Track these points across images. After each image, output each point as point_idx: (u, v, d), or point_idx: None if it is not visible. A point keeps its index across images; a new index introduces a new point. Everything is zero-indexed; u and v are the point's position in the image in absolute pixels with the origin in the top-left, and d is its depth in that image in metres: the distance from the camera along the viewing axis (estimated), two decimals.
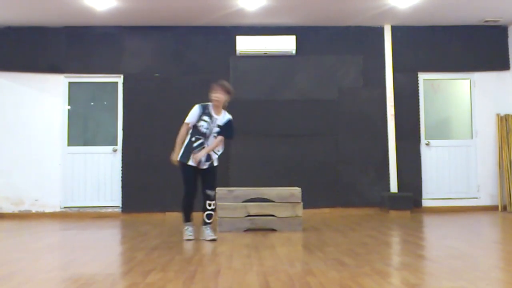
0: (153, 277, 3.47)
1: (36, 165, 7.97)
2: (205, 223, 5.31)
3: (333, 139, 8.12)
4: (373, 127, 8.15)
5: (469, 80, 8.41)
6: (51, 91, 8.09)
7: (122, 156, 8.02)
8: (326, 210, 7.99)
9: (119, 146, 8.07)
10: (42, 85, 8.08)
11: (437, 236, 5.47)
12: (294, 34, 8.07)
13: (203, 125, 5.23)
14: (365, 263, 3.88)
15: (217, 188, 5.66)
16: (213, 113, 5.28)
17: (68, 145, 8.10)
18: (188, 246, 4.91)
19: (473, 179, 8.23)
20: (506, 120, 8.21)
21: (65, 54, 8.09)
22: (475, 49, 8.29)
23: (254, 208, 6.00)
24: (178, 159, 5.31)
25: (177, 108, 7.82)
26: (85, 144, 8.22)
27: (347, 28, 8.26)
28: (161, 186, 7.90)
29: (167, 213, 7.86)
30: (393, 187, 8.01)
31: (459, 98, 8.57)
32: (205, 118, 5.25)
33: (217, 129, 5.25)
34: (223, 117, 5.31)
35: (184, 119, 5.33)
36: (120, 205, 7.98)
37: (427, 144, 8.23)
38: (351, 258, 4.08)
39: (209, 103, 5.30)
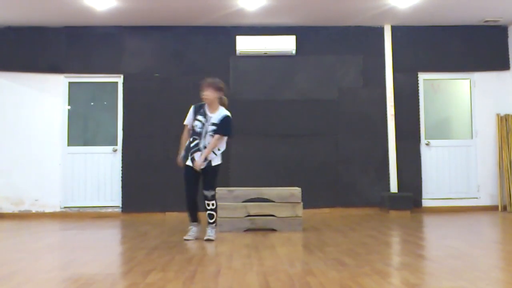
0: (153, 277, 3.47)
1: (36, 165, 7.97)
2: (208, 223, 5.32)
3: (333, 139, 8.12)
4: (373, 127, 8.15)
5: (469, 80, 8.41)
6: (51, 91, 8.09)
7: (122, 156, 8.02)
8: (326, 210, 7.99)
9: (119, 146, 8.07)
10: (42, 85, 8.08)
11: (437, 236, 5.47)
12: (294, 34, 8.07)
13: (197, 125, 5.25)
14: (365, 263, 3.88)
15: (217, 188, 5.64)
16: (208, 111, 5.27)
17: (68, 145, 8.10)
18: (188, 246, 4.91)
19: (473, 179, 8.23)
20: (506, 120, 8.21)
21: (65, 54, 8.09)
22: (475, 49, 8.29)
23: (254, 208, 6.00)
24: (181, 160, 5.32)
25: (177, 108, 7.83)
26: (85, 144, 8.22)
27: (347, 28, 8.26)
28: (161, 186, 7.90)
29: (167, 213, 7.86)
30: (393, 187, 8.02)
31: (459, 98, 8.57)
32: (200, 117, 5.26)
33: (212, 127, 5.20)
34: (219, 114, 5.24)
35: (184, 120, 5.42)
36: (120, 205, 7.98)
37: (427, 144, 8.23)
38: (351, 258, 4.08)
39: (205, 103, 5.32)
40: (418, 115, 8.22)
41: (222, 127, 5.21)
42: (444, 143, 8.29)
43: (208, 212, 5.26)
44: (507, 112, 8.27)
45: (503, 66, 8.31)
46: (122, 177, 7.99)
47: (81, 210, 7.98)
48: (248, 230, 5.94)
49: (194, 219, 5.38)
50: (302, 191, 6.21)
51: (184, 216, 7.59)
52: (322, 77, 8.20)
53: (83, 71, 8.13)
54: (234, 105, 7.94)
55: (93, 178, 8.06)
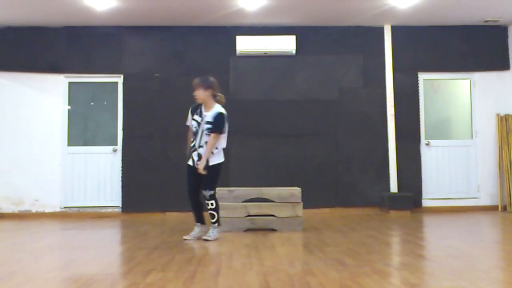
0: (153, 277, 3.47)
1: (36, 165, 7.97)
2: (210, 223, 5.31)
3: (333, 139, 8.12)
4: (373, 127, 8.15)
5: (469, 80, 8.41)
6: (51, 91, 8.09)
7: (122, 156, 8.02)
8: (326, 210, 7.99)
9: (119, 146, 8.07)
10: (42, 85, 8.08)
11: (437, 236, 5.48)
12: (294, 34, 8.07)
13: (193, 125, 5.30)
14: (365, 263, 3.88)
15: (217, 188, 5.62)
16: (203, 110, 5.29)
17: (68, 145, 8.10)
18: (188, 246, 4.91)
19: (473, 179, 8.23)
20: (506, 120, 8.21)
21: (65, 54, 8.09)
22: (475, 49, 8.29)
23: (254, 208, 5.99)
24: None
25: (177, 108, 7.83)
26: (85, 144, 8.22)
27: (347, 28, 8.26)
28: (161, 186, 7.90)
29: (167, 213, 7.87)
30: (393, 187, 8.01)
31: (459, 98, 8.57)
32: (196, 117, 5.29)
33: (207, 126, 5.19)
34: (213, 112, 5.23)
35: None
36: (120, 205, 7.98)
37: (427, 144, 8.23)
38: (351, 258, 4.08)
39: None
40: (418, 115, 8.22)
41: (214, 124, 5.18)
42: (444, 143, 8.29)
43: (209, 212, 5.25)
44: (507, 112, 8.27)
45: (503, 66, 8.31)
46: (122, 177, 7.99)
47: (81, 210, 7.98)
48: (248, 230, 5.94)
49: (197, 219, 5.37)
50: (302, 191, 6.21)
51: (184, 216, 7.62)
52: (322, 77, 8.20)
53: (83, 71, 8.13)
54: (234, 105, 7.97)
55: (93, 178, 8.06)
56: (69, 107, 8.18)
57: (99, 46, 8.13)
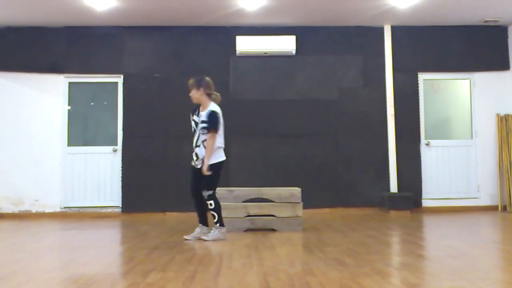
0: (153, 277, 3.47)
1: (36, 165, 7.97)
2: (213, 223, 5.30)
3: (333, 139, 8.12)
4: (373, 127, 8.14)
5: (469, 80, 8.41)
6: (51, 91, 8.09)
7: (122, 156, 8.02)
8: (326, 210, 7.99)
9: (119, 146, 8.07)
10: (42, 85, 8.08)
11: (437, 236, 5.48)
12: (294, 34, 8.07)
13: (192, 125, 5.33)
14: (365, 263, 3.88)
15: (218, 188, 5.60)
16: (200, 110, 5.32)
17: (68, 145, 8.10)
18: (188, 246, 4.91)
19: (473, 179, 8.23)
20: (506, 120, 8.21)
21: (65, 54, 8.09)
22: (475, 49, 8.29)
23: (254, 208, 5.99)
24: None
25: (177, 108, 7.84)
26: (85, 144, 8.22)
27: (347, 28, 8.26)
28: (161, 186, 7.90)
29: (167, 213, 7.87)
30: (393, 187, 8.01)
31: (459, 98, 8.57)
32: (195, 117, 5.34)
33: (203, 125, 5.21)
34: (207, 110, 5.26)
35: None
36: (120, 205, 7.98)
37: (427, 144, 8.23)
38: (351, 258, 4.08)
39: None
40: (418, 115, 8.22)
41: (208, 123, 5.19)
42: (444, 143, 8.29)
43: (210, 212, 5.25)
44: (507, 112, 8.27)
45: (503, 66, 8.31)
46: (122, 177, 7.98)
47: (81, 210, 7.98)
48: (248, 230, 5.94)
49: (199, 219, 5.35)
50: (302, 191, 6.21)
51: (184, 216, 7.62)
52: (322, 77, 8.20)
53: (83, 71, 8.13)
54: (234, 105, 7.98)
55: (93, 178, 8.06)
56: (69, 107, 8.18)
57: (99, 46, 8.13)
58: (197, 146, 5.25)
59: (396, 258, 4.24)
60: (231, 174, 7.89)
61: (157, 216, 7.79)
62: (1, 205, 7.88)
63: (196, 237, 5.29)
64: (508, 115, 8.23)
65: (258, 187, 6.33)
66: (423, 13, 7.63)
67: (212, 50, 8.17)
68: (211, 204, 5.21)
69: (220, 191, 5.91)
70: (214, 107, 5.28)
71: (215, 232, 5.24)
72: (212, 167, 5.18)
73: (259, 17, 7.73)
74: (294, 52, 8.06)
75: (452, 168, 8.24)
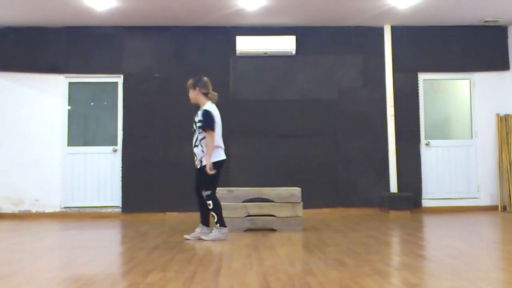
0: (153, 277, 3.47)
1: (36, 165, 7.97)
2: (215, 223, 5.29)
3: (333, 139, 8.12)
4: (373, 127, 8.15)
5: (469, 80, 8.41)
6: (51, 91, 8.10)
7: (122, 156, 8.02)
8: (326, 210, 7.99)
9: (119, 146, 8.07)
10: (42, 85, 8.08)
11: (437, 236, 5.48)
12: (294, 34, 8.07)
13: (193, 125, 5.36)
14: (365, 263, 3.88)
15: (218, 188, 5.59)
16: (199, 110, 5.34)
17: (68, 145, 8.10)
18: (188, 246, 4.91)
19: (473, 179, 8.23)
20: (506, 120, 8.21)
21: (65, 54, 8.10)
22: (475, 49, 8.30)
23: (254, 208, 5.99)
24: None
25: (177, 108, 7.85)
26: (85, 144, 8.22)
27: (347, 28, 8.26)
28: (161, 186, 7.90)
29: (167, 213, 7.87)
30: (393, 187, 8.02)
31: (459, 98, 8.57)
32: (195, 118, 5.35)
33: (198, 124, 5.23)
34: (201, 110, 5.28)
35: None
36: (120, 205, 7.98)
37: (427, 144, 8.23)
38: (351, 258, 4.08)
39: None
40: (418, 115, 8.22)
41: (202, 122, 5.20)
42: (444, 143, 8.29)
43: (210, 212, 5.24)
44: (507, 112, 8.27)
45: (503, 66, 8.31)
46: (122, 177, 7.99)
47: (81, 210, 7.98)
48: (248, 230, 5.94)
49: (201, 219, 5.35)
50: (302, 191, 6.21)
51: (184, 216, 7.63)
52: (322, 77, 8.20)
53: (83, 71, 8.13)
54: (234, 105, 7.98)
55: (93, 178, 8.06)
56: (69, 107, 8.18)
57: (99, 46, 8.13)
58: (195, 146, 5.27)
59: (396, 258, 4.24)
60: (231, 174, 7.89)
61: (157, 216, 7.79)
62: (1, 205, 7.88)
63: (196, 237, 5.28)
64: (508, 115, 8.23)
65: (258, 187, 6.33)
66: (423, 13, 7.63)
67: (212, 50, 8.17)
68: (209, 204, 5.19)
69: (220, 191, 5.91)
70: (208, 106, 5.28)
71: (215, 232, 5.23)
72: (204, 167, 5.16)
73: (259, 17, 7.73)
74: (294, 52, 8.06)
75: (452, 168, 8.24)
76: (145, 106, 8.08)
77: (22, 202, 7.93)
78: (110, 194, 8.05)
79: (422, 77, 8.33)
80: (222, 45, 8.16)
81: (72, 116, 8.19)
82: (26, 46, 8.05)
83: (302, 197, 6.14)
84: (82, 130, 8.36)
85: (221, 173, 5.33)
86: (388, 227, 6.24)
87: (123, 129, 8.06)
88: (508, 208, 7.98)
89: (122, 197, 7.96)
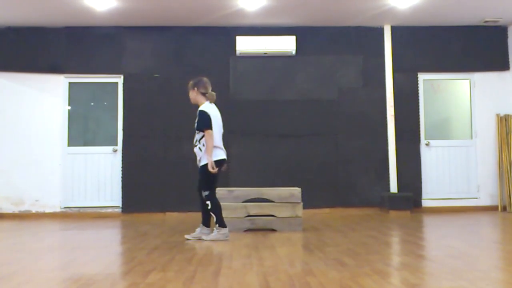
0: (153, 277, 3.47)
1: (36, 165, 7.97)
2: (214, 223, 5.29)
3: (333, 139, 8.13)
4: (373, 127, 8.15)
5: (469, 80, 8.42)
6: (51, 91, 8.10)
7: (122, 156, 8.02)
8: (326, 210, 7.99)
9: (119, 146, 8.07)
10: (42, 85, 8.08)
11: (437, 236, 5.48)
12: (294, 34, 8.08)
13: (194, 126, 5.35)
14: (365, 263, 3.88)
15: (217, 188, 5.59)
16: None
17: (68, 145, 8.10)
18: (188, 246, 4.91)
19: (473, 179, 8.23)
20: (506, 120, 8.21)
21: (65, 54, 8.10)
22: (475, 49, 8.30)
23: (254, 208, 5.99)
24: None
25: (177, 108, 7.85)
26: (85, 144, 8.23)
27: (347, 28, 8.26)
28: (161, 186, 7.90)
29: (167, 213, 7.87)
30: (393, 187, 8.02)
31: (459, 98, 8.57)
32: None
33: (195, 124, 5.23)
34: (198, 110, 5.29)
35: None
36: (120, 205, 7.98)
37: (427, 144, 8.23)
38: (351, 258, 4.08)
39: None
40: (418, 115, 8.23)
41: (197, 122, 5.19)
42: (444, 143, 8.29)
43: (210, 212, 5.23)
44: (507, 112, 8.27)
45: (503, 66, 8.31)
46: (122, 177, 7.99)
47: (81, 210, 7.98)
48: (248, 230, 5.94)
49: (202, 219, 5.34)
50: (302, 191, 6.21)
51: (184, 216, 7.63)
52: (322, 77, 8.20)
53: (83, 71, 8.13)
54: (234, 105, 7.98)
55: (93, 178, 8.06)
56: (69, 107, 8.18)
57: (99, 46, 8.13)
58: (194, 145, 5.27)
59: (396, 258, 4.24)
60: (231, 174, 7.89)
61: (157, 216, 7.80)
62: (1, 205, 7.88)
63: (196, 237, 5.28)
64: (508, 115, 8.23)
65: (258, 187, 6.32)
66: (423, 13, 7.63)
67: (212, 50, 8.17)
68: (208, 204, 5.17)
69: (220, 191, 5.91)
70: (205, 106, 5.25)
71: (215, 232, 5.22)
72: (203, 167, 5.15)
73: (259, 17, 7.73)
74: (294, 52, 8.07)
75: (452, 168, 8.24)
76: (145, 106, 8.08)
77: (22, 202, 7.93)
78: (110, 194, 8.05)
79: (422, 77, 8.34)
80: (222, 45, 8.16)
81: (72, 116, 8.20)
82: (26, 46, 8.05)
83: (302, 197, 6.14)
84: (82, 130, 8.36)
85: (220, 173, 5.30)
86: (388, 227, 6.24)
87: (123, 129, 8.06)
88: (508, 208, 7.98)
89: (122, 197, 7.96)
